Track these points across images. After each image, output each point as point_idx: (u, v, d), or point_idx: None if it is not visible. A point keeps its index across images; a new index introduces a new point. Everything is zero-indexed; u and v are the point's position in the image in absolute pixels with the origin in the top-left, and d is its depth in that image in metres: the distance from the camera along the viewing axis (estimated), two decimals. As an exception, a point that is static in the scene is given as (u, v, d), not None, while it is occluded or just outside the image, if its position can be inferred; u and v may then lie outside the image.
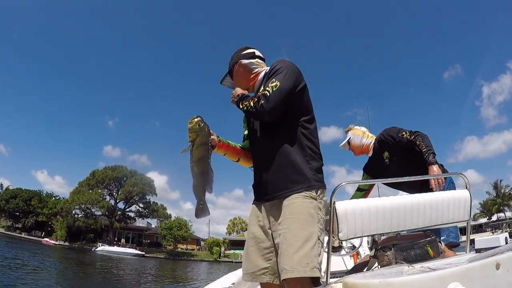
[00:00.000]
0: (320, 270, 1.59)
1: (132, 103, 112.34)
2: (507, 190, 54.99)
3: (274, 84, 1.69)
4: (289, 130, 1.77)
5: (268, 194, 1.78)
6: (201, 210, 1.90)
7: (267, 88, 1.69)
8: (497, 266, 1.38)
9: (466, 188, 2.38)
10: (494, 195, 55.50)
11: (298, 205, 1.65)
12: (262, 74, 1.96)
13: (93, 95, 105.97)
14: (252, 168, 1.99)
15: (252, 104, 1.71)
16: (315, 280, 1.58)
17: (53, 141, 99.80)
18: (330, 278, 1.98)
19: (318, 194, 1.72)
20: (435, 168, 2.61)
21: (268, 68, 1.89)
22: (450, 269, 1.41)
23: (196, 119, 1.86)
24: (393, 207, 2.20)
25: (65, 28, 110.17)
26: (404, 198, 2.24)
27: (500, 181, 55.96)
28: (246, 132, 2.08)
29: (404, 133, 2.84)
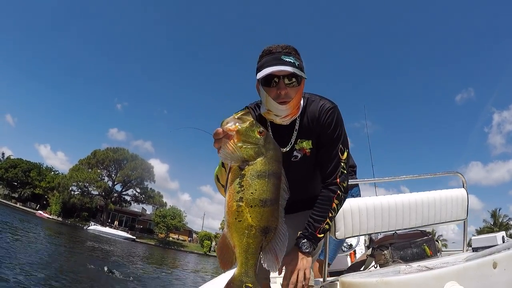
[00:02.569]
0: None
1: (143, 89, 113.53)
2: (505, 220, 54.58)
3: (346, 155, 1.60)
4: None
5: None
6: None
7: (342, 164, 1.58)
8: (494, 265, 1.38)
9: (463, 187, 2.35)
10: (491, 224, 55.11)
11: None
12: (301, 102, 1.57)
13: (106, 76, 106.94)
14: None
15: (339, 200, 1.58)
16: None
17: (60, 116, 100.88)
18: (328, 277, 1.96)
19: None
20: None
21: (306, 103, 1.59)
22: (447, 268, 1.41)
23: (251, 118, 1.11)
24: (390, 206, 2.19)
25: (90, 7, 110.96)
26: (401, 197, 2.23)
27: (499, 210, 55.56)
28: None
29: None
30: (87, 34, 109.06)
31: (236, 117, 1.08)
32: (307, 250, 1.50)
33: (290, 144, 1.57)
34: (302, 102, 1.56)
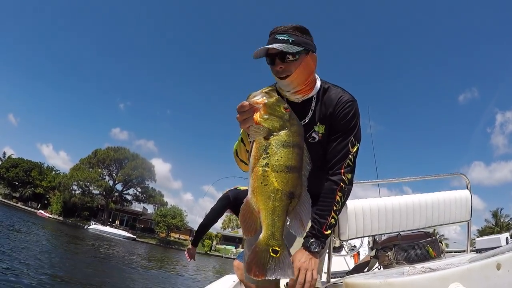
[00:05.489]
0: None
1: (146, 88, 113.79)
2: (506, 220, 54.53)
3: (356, 149, 1.56)
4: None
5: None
6: (276, 262, 1.08)
7: (350, 156, 1.54)
8: (498, 267, 1.36)
9: (467, 188, 2.34)
10: (493, 224, 55.05)
11: None
12: (318, 84, 1.60)
13: (109, 76, 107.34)
14: None
15: (343, 193, 1.52)
16: None
17: (63, 116, 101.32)
18: (331, 278, 1.95)
19: None
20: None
21: (323, 86, 1.61)
22: (451, 270, 1.40)
23: (277, 95, 1.15)
24: (394, 207, 2.19)
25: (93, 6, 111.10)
26: (404, 198, 2.24)
27: (501, 210, 55.51)
28: None
29: None
30: (90, 34, 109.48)
31: (264, 91, 1.13)
32: (316, 250, 1.46)
33: (304, 122, 1.57)
34: (319, 84, 1.60)
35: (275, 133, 1.09)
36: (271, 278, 1.08)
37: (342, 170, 1.52)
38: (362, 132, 1.62)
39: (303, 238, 1.50)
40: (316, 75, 1.62)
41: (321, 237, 1.48)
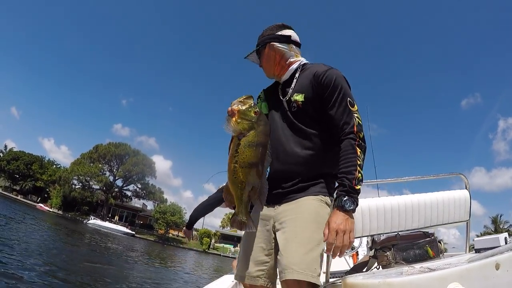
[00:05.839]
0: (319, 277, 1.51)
1: (148, 85, 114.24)
2: (505, 226, 54.45)
3: (356, 108, 1.59)
4: (328, 137, 1.65)
5: (287, 196, 1.65)
6: (245, 224, 1.53)
7: (355, 115, 1.56)
8: (497, 266, 1.37)
9: (466, 188, 2.33)
10: (492, 230, 54.98)
11: (314, 207, 1.58)
12: (295, 65, 1.78)
13: (112, 72, 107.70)
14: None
15: (361, 149, 1.52)
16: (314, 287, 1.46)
17: (65, 111, 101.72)
18: (330, 278, 1.94)
19: (331, 202, 1.64)
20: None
21: (304, 60, 1.81)
22: (449, 270, 1.41)
23: (251, 102, 1.42)
24: (393, 207, 2.18)
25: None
26: (403, 198, 2.23)
27: (500, 216, 55.42)
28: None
29: None
30: (94, 30, 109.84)
31: (239, 100, 1.42)
32: (351, 208, 1.41)
33: (287, 97, 1.72)
34: (296, 66, 1.78)
35: (245, 134, 1.39)
36: (241, 230, 1.56)
37: (355, 129, 1.52)
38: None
39: (335, 199, 1.49)
40: (298, 58, 1.80)
41: (353, 193, 1.44)
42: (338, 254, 1.40)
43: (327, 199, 1.62)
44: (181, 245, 54.27)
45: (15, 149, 59.72)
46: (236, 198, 1.47)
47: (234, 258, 3.16)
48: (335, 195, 1.56)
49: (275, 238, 1.63)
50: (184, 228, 3.42)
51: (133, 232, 48.20)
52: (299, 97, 1.66)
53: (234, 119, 1.39)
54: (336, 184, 1.55)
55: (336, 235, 1.37)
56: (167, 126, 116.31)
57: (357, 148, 1.50)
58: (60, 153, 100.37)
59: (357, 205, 1.44)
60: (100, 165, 54.31)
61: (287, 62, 1.78)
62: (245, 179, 1.42)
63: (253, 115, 1.39)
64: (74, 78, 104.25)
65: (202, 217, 4.04)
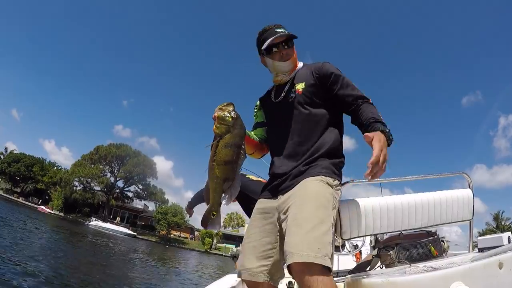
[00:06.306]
0: (332, 261, 1.36)
1: (149, 86, 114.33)
2: (507, 223, 54.35)
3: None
4: (334, 122, 1.76)
5: (288, 184, 1.66)
6: (212, 221, 1.66)
7: (358, 89, 1.73)
8: (500, 266, 1.37)
9: (469, 187, 2.32)
10: (494, 226, 54.87)
11: (313, 187, 1.55)
12: (300, 65, 1.89)
13: (113, 73, 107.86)
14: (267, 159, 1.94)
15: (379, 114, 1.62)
16: (325, 271, 1.30)
17: (66, 112, 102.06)
18: (333, 277, 1.94)
19: (334, 182, 1.61)
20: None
21: (303, 63, 1.91)
22: (453, 269, 1.41)
23: (229, 108, 1.56)
24: (396, 206, 2.17)
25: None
26: (406, 197, 2.22)
27: (502, 213, 55.33)
28: (258, 120, 2.00)
29: None
30: (93, 31, 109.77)
31: (219, 107, 1.56)
32: (387, 129, 1.49)
33: (284, 93, 1.83)
34: (301, 64, 1.90)
35: (223, 136, 1.53)
36: (210, 229, 1.63)
37: (365, 95, 1.69)
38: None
39: (369, 127, 1.53)
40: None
41: (383, 124, 1.52)
42: (373, 176, 1.36)
43: (328, 179, 1.58)
44: (183, 246, 54.29)
45: (15, 151, 59.84)
46: (211, 191, 1.60)
47: (237, 258, 3.14)
48: (366, 122, 1.56)
49: (280, 231, 1.60)
50: (186, 207, 3.32)
51: (135, 233, 48.26)
52: (299, 86, 1.78)
53: (214, 124, 1.55)
54: (366, 122, 1.57)
55: (379, 150, 1.35)
56: (168, 126, 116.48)
57: (374, 105, 1.65)
58: (61, 155, 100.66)
59: (392, 139, 1.50)
60: (101, 167, 54.38)
61: (297, 63, 1.88)
62: (220, 175, 1.56)
63: (230, 120, 1.53)
64: (74, 79, 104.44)
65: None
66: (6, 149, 60.33)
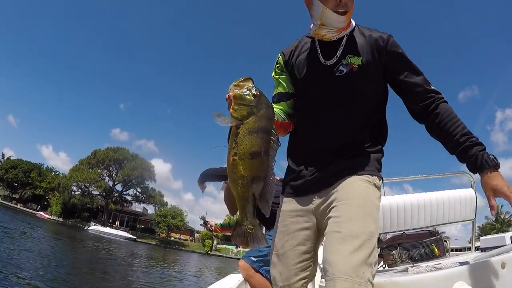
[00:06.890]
0: (372, 281, 1.18)
1: (146, 88, 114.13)
2: (507, 217, 54.57)
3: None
4: (383, 110, 1.50)
5: (327, 179, 1.38)
6: (251, 237, 1.23)
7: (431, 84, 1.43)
8: (503, 265, 1.36)
9: (472, 187, 2.33)
10: (493, 220, 55.05)
11: (360, 190, 1.30)
12: (352, 24, 1.47)
13: (110, 76, 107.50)
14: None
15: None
16: None
17: (63, 117, 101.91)
18: None
19: (379, 183, 1.39)
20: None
21: (356, 24, 1.50)
22: (455, 268, 1.40)
23: (249, 84, 1.20)
24: (399, 206, 2.17)
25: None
26: (409, 197, 2.22)
27: (501, 207, 55.44)
28: (282, 90, 1.55)
29: None
30: (91, 35, 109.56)
31: (234, 84, 1.20)
32: (497, 161, 1.26)
33: (336, 58, 1.42)
34: (354, 23, 1.48)
35: (244, 121, 1.15)
36: (251, 247, 1.26)
37: (442, 95, 1.42)
38: None
39: (472, 159, 1.28)
40: None
41: (484, 148, 1.29)
42: None
43: (375, 179, 1.35)
44: (183, 248, 54.16)
45: (13, 158, 59.55)
46: (238, 200, 1.19)
47: (238, 259, 3.09)
48: (474, 154, 1.29)
49: (317, 235, 1.42)
50: (198, 180, 3.18)
51: (135, 237, 48.10)
52: (354, 60, 1.40)
53: (231, 106, 1.17)
54: (463, 144, 1.31)
55: (504, 194, 1.21)
56: (166, 128, 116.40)
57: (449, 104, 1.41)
58: (59, 160, 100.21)
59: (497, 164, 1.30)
60: (99, 171, 54.19)
61: (350, 21, 1.45)
62: (247, 173, 1.15)
63: (252, 98, 1.16)
64: (71, 84, 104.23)
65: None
66: (3, 155, 60.05)
